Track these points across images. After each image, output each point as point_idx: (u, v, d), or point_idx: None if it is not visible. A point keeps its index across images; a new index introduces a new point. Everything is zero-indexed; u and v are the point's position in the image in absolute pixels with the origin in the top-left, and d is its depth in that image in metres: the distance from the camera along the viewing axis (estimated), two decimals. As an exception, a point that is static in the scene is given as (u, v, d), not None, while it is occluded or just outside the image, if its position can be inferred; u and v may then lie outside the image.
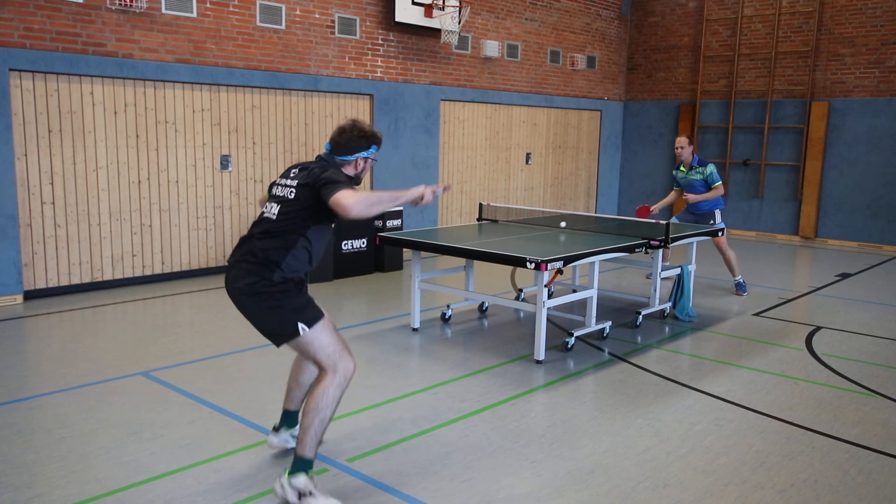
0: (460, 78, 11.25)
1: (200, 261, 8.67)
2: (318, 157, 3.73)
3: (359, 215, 3.28)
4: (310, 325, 3.46)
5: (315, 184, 3.44)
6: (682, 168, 8.29)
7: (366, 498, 3.52)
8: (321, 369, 3.52)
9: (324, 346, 3.47)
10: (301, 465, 3.42)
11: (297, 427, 3.95)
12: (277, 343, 3.55)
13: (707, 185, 8.11)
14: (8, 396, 4.76)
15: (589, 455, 4.04)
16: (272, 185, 3.72)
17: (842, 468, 3.96)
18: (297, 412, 3.97)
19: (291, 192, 3.54)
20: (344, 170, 3.67)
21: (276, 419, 4.46)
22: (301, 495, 3.37)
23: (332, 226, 3.80)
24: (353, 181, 3.69)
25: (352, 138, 3.68)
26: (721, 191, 8.13)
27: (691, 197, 8.13)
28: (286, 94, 9.18)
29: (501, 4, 11.78)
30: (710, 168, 8.11)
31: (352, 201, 3.25)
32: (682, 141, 8.20)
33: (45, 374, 5.24)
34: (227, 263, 3.66)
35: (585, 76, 13.71)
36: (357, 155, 3.70)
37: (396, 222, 9.48)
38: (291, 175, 3.64)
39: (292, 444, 3.93)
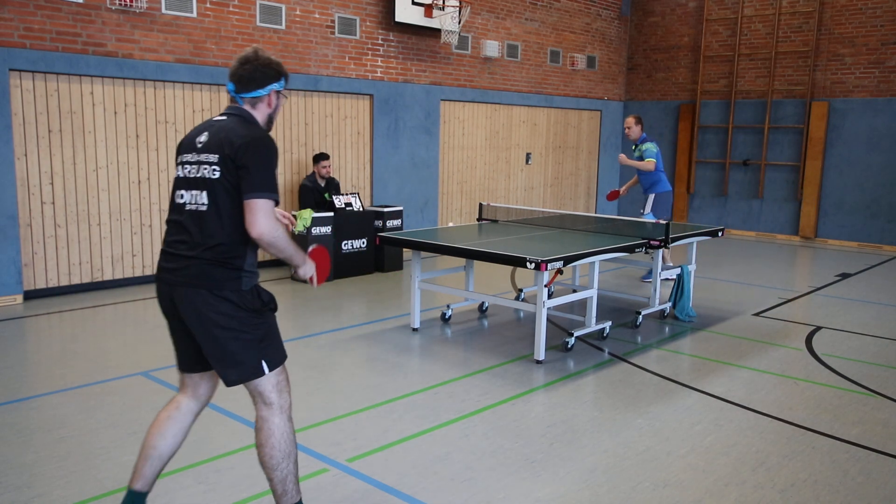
0: (460, 78, 11.24)
1: (200, 261, 8.65)
2: (227, 110, 3.07)
3: (260, 238, 2.81)
4: (273, 364, 2.98)
5: (237, 160, 2.84)
6: (633, 147, 8.80)
7: (366, 498, 3.52)
8: (266, 405, 2.96)
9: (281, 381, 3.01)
10: None
11: None
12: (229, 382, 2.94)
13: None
14: (8, 396, 4.76)
15: (589, 455, 4.04)
16: (178, 164, 3.03)
17: (842, 468, 3.96)
18: (146, 494, 3.08)
19: (215, 170, 2.88)
20: (256, 111, 3.06)
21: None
22: None
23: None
24: (269, 125, 3.13)
25: (259, 67, 3.03)
26: (648, 166, 8.44)
27: (622, 157, 8.61)
28: (286, 93, 9.17)
29: (501, 4, 11.78)
30: (647, 145, 8.51)
31: (265, 222, 2.80)
32: (629, 121, 8.62)
33: (45, 374, 5.24)
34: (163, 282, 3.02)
35: (585, 76, 13.71)
36: (269, 87, 3.06)
37: (396, 222, 9.48)
38: (199, 145, 2.96)
39: None
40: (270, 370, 2.97)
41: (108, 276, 7.91)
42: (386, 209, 9.35)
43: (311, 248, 3.31)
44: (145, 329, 6.48)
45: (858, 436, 4.39)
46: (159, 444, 3.01)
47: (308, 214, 9.17)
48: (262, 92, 3.04)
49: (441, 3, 10.22)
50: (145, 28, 7.80)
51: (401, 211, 9.56)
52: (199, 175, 2.91)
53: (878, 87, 12.00)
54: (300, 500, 3.03)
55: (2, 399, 4.71)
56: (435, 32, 10.51)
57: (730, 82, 13.43)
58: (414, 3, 10.00)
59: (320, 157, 8.92)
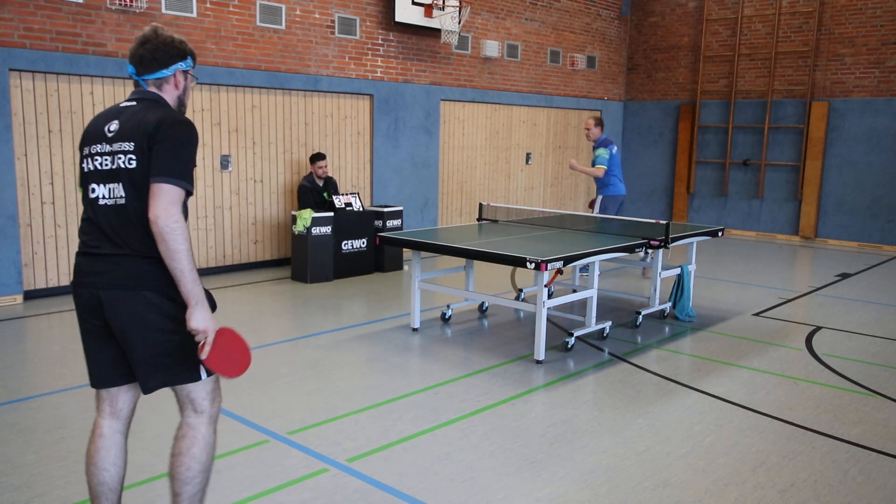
0: (460, 78, 11.25)
1: (200, 261, 8.66)
2: (134, 95, 2.83)
3: (155, 221, 2.53)
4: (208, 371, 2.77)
5: (151, 143, 2.62)
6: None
7: (366, 498, 3.52)
8: (197, 413, 2.77)
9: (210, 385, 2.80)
10: None
11: None
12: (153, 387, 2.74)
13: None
14: (8, 396, 4.76)
15: (589, 455, 4.04)
16: (85, 156, 2.76)
17: (842, 468, 3.96)
18: None
19: (131, 160, 2.64)
20: (164, 93, 2.83)
21: (276, 419, 4.47)
22: None
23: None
24: (180, 106, 2.89)
25: (160, 46, 2.80)
26: (598, 172, 8.61)
27: (572, 163, 8.75)
28: (286, 93, 9.18)
29: (501, 4, 11.78)
30: (599, 150, 8.66)
31: (171, 210, 2.54)
32: (588, 122, 8.78)
33: (45, 374, 5.24)
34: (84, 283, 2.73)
35: (585, 76, 13.71)
36: (174, 67, 2.83)
37: (396, 222, 9.48)
38: (110, 134, 2.71)
39: None
40: (207, 375, 2.77)
41: (108, 276, 7.90)
42: (386, 209, 9.35)
43: (225, 327, 2.76)
44: (145, 329, 6.47)
45: (858, 436, 4.39)
46: (105, 479, 2.79)
47: (308, 215, 9.19)
48: (165, 72, 2.81)
49: (441, 3, 10.22)
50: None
51: (401, 211, 9.55)
52: (114, 166, 2.66)
53: (878, 87, 12.00)
54: None
55: (2, 399, 4.71)
56: (435, 32, 10.51)
57: (730, 82, 13.43)
58: (414, 3, 10.01)
59: (317, 157, 8.92)
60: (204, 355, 2.64)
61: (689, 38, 13.99)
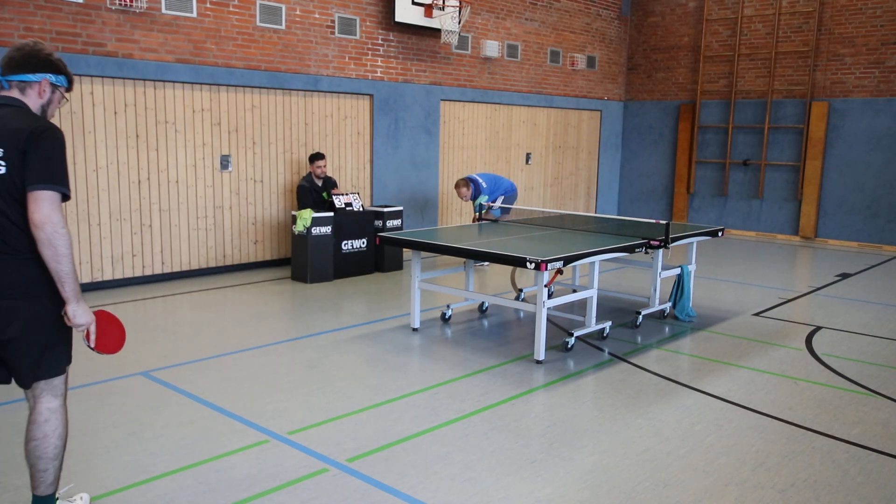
0: (460, 78, 11.24)
1: (200, 261, 8.67)
2: None
3: (42, 225, 2.63)
4: (65, 364, 2.98)
5: (26, 154, 2.68)
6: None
7: (366, 498, 3.52)
8: (57, 397, 2.97)
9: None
10: (51, 501, 3.03)
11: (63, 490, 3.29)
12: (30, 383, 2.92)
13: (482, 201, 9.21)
14: (8, 396, 4.76)
15: (589, 455, 4.04)
16: None
17: (842, 468, 3.96)
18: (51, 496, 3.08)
19: (1, 165, 2.70)
20: (26, 98, 2.85)
21: (276, 419, 4.47)
22: None
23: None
24: (43, 115, 2.93)
25: (33, 54, 2.86)
26: (495, 206, 9.21)
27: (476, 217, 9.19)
28: (286, 94, 9.18)
29: (501, 4, 11.78)
30: (480, 199, 9.18)
31: (55, 214, 2.64)
32: (461, 191, 9.21)
33: (45, 374, 5.23)
34: None
35: (585, 76, 13.71)
36: (43, 75, 2.87)
37: (396, 222, 9.48)
38: None
39: None
40: (68, 363, 2.99)
41: (108, 276, 7.91)
42: (386, 209, 9.35)
43: (98, 309, 2.97)
44: (145, 329, 6.48)
45: (858, 436, 4.39)
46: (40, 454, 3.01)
47: (308, 215, 9.18)
48: (33, 77, 2.84)
49: (441, 3, 10.21)
50: (145, 28, 7.80)
51: (401, 211, 9.55)
52: None
53: (878, 87, 12.00)
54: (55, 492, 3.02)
55: (2, 399, 4.71)
56: (435, 32, 10.51)
57: (730, 82, 13.43)
58: (414, 3, 10.00)
59: (315, 157, 8.92)
60: (93, 343, 2.90)
61: (689, 38, 13.99)
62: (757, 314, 7.39)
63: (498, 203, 9.28)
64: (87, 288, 7.73)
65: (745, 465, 3.96)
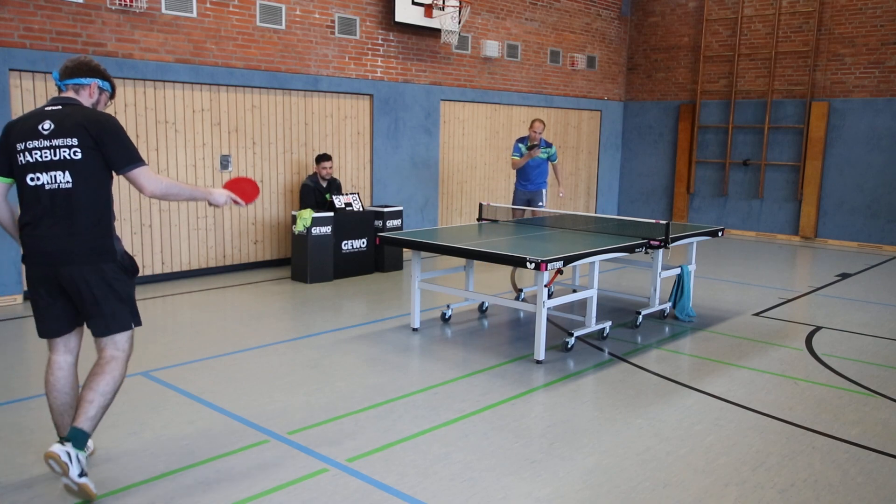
0: (460, 78, 11.25)
1: (200, 261, 8.67)
2: (56, 101, 3.43)
3: (154, 195, 3.42)
4: (134, 323, 3.59)
5: (100, 142, 3.32)
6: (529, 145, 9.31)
7: (366, 498, 3.52)
8: (122, 351, 3.54)
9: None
10: (85, 438, 3.39)
11: (90, 446, 3.69)
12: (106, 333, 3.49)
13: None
14: (8, 396, 4.76)
15: (589, 455, 4.04)
16: (18, 152, 3.33)
17: (842, 468, 3.96)
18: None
19: (76, 151, 3.31)
20: (80, 97, 3.50)
21: (276, 419, 4.47)
22: (81, 473, 3.33)
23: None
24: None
25: (86, 62, 3.54)
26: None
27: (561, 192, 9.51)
28: (286, 94, 9.18)
29: (501, 4, 11.78)
30: (554, 148, 9.42)
31: (153, 182, 3.40)
32: (537, 128, 9.18)
33: (45, 374, 5.24)
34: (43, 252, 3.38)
35: (585, 76, 13.71)
36: (93, 80, 3.54)
37: (396, 222, 9.48)
38: (46, 131, 3.32)
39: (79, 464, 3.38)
40: (135, 325, 3.58)
41: (108, 276, 7.90)
42: (386, 209, 9.35)
43: (225, 182, 3.84)
44: (145, 329, 6.47)
45: (858, 436, 4.39)
46: (65, 400, 3.58)
47: (308, 214, 9.17)
48: (85, 81, 3.50)
49: (441, 3, 10.22)
50: (145, 28, 7.80)
51: (401, 211, 9.56)
52: (57, 157, 3.31)
53: (878, 87, 12.00)
54: (90, 435, 3.44)
55: (2, 399, 4.71)
56: (435, 32, 10.51)
57: (730, 82, 13.43)
58: (414, 3, 10.01)
59: (322, 158, 8.92)
60: (243, 203, 3.81)
61: (689, 38, 13.99)
62: (757, 314, 7.39)
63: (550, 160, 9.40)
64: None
65: (745, 465, 3.96)
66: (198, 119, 8.41)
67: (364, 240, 9.06)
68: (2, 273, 7.09)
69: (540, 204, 9.48)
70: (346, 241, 8.85)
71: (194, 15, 8.14)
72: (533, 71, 12.53)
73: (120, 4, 7.48)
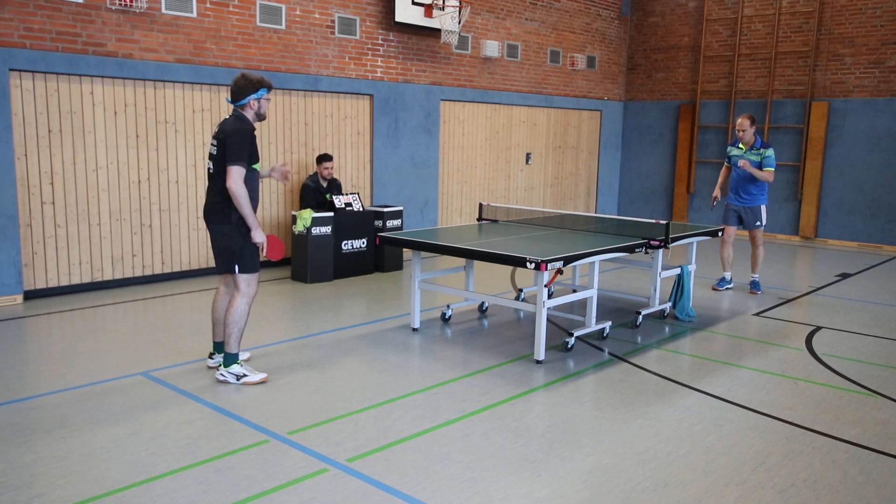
0: (460, 78, 11.25)
1: (200, 261, 8.67)
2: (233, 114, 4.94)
3: (229, 189, 4.70)
4: (243, 269, 4.96)
5: (224, 143, 4.76)
6: (740, 146, 8.17)
7: (366, 498, 3.52)
8: (238, 292, 4.98)
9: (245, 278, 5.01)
10: (231, 358, 4.98)
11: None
12: (228, 269, 4.98)
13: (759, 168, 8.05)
14: (8, 396, 4.76)
15: (589, 455, 4.04)
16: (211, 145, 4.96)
17: (842, 468, 3.96)
18: (222, 342, 5.22)
19: (216, 149, 4.85)
20: (245, 113, 4.89)
21: (276, 419, 4.49)
22: (238, 377, 4.97)
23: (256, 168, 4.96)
24: (259, 119, 4.96)
25: (239, 87, 4.86)
26: (768, 177, 7.99)
27: (742, 162, 7.93)
28: (286, 94, 9.18)
29: (501, 4, 11.78)
30: (770, 150, 7.99)
31: (236, 183, 4.70)
32: (743, 123, 7.98)
33: (45, 374, 5.24)
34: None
35: (585, 76, 13.71)
36: (248, 98, 4.87)
37: (396, 222, 9.48)
38: (214, 134, 4.92)
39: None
40: (240, 272, 4.93)
41: (108, 276, 7.91)
42: (386, 209, 9.35)
43: (270, 234, 5.12)
44: (145, 329, 6.48)
45: (858, 436, 4.39)
46: (219, 316, 5.20)
47: (308, 215, 9.17)
48: (242, 102, 4.90)
49: (441, 3, 10.21)
50: (145, 28, 7.80)
51: (401, 211, 9.56)
52: (214, 152, 4.89)
53: (878, 87, 12.00)
54: (237, 353, 5.02)
55: (2, 399, 4.72)
56: (435, 32, 10.51)
57: (730, 82, 13.43)
58: (414, 3, 10.00)
59: (323, 158, 8.92)
60: (265, 253, 4.98)
61: (689, 38, 13.99)
62: (757, 314, 7.39)
63: (765, 176, 7.98)
64: (86, 288, 7.74)
65: (745, 465, 3.96)
66: (198, 119, 8.41)
67: (364, 240, 9.06)
68: (2, 273, 7.09)
69: (757, 224, 8.25)
70: (346, 241, 8.85)
71: (194, 15, 8.14)
72: (533, 71, 12.53)
73: (120, 4, 7.48)
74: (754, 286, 8.40)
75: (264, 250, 4.93)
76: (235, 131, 4.74)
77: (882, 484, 3.79)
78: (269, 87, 4.93)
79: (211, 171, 4.89)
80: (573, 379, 5.32)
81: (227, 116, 4.91)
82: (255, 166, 4.90)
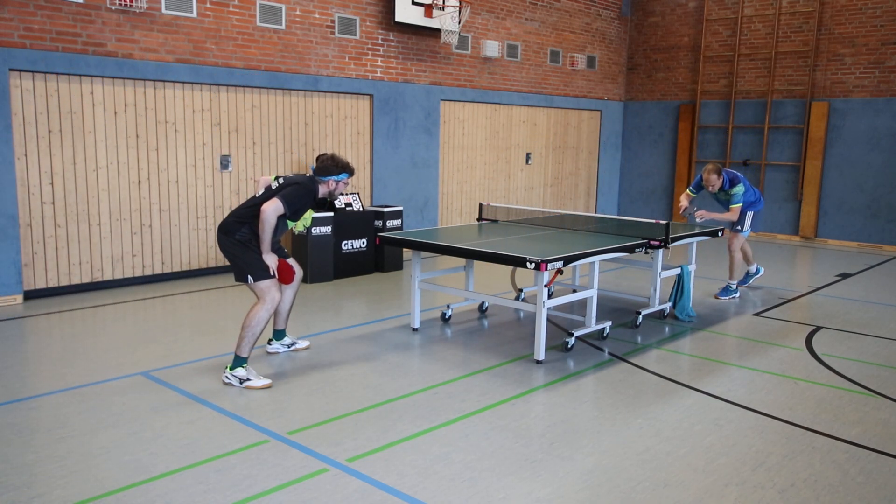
0: (460, 78, 11.24)
1: (200, 261, 8.67)
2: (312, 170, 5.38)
3: (261, 212, 4.87)
4: (256, 278, 5.07)
5: (285, 186, 5.07)
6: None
7: (366, 498, 3.52)
8: (258, 299, 5.08)
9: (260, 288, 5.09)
10: (238, 361, 4.99)
11: (286, 338, 5.79)
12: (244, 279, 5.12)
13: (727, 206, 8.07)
14: (8, 396, 4.76)
15: (589, 455, 4.04)
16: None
17: (842, 468, 3.96)
18: (283, 329, 5.73)
19: (275, 184, 5.20)
20: (321, 185, 5.21)
21: (276, 419, 4.49)
22: (241, 381, 4.96)
23: (287, 220, 5.19)
24: (331, 196, 5.30)
25: (326, 166, 5.20)
26: (732, 216, 8.00)
27: (703, 213, 7.99)
28: (286, 94, 9.18)
29: (501, 4, 11.78)
30: (735, 188, 7.94)
31: (267, 211, 4.87)
32: (709, 178, 7.98)
33: (45, 374, 5.24)
34: None
35: (585, 76, 13.71)
36: (328, 178, 5.21)
37: (396, 222, 9.48)
38: (285, 177, 5.30)
39: (282, 350, 5.76)
40: (254, 281, 5.00)
41: (108, 276, 7.91)
42: (386, 209, 9.35)
43: (279, 259, 5.18)
44: (145, 329, 6.48)
45: (858, 436, 4.39)
46: (284, 307, 5.58)
47: (308, 214, 9.17)
48: (323, 178, 5.23)
49: (441, 3, 10.21)
50: (145, 28, 7.80)
51: (401, 211, 9.56)
52: (272, 185, 5.22)
53: (878, 87, 12.00)
54: (246, 357, 5.00)
55: (2, 399, 4.72)
56: (435, 32, 10.51)
57: (730, 82, 13.43)
58: (414, 3, 10.00)
59: None
60: (275, 275, 5.05)
61: (689, 38, 13.99)
62: (757, 314, 7.39)
63: (729, 217, 8.01)
64: (86, 288, 7.74)
65: (745, 465, 3.96)
66: (198, 119, 8.41)
67: (364, 240, 9.06)
68: (2, 273, 7.09)
69: (737, 227, 8.16)
70: (346, 241, 8.85)
71: (194, 15, 8.14)
72: (533, 71, 12.53)
73: (120, 4, 7.48)
74: (722, 291, 8.11)
75: (274, 273, 5.05)
76: (303, 185, 5.07)
77: (882, 484, 3.79)
78: (351, 173, 5.27)
79: (256, 196, 5.11)
80: (573, 379, 5.32)
81: (296, 175, 5.31)
82: (289, 221, 5.18)
